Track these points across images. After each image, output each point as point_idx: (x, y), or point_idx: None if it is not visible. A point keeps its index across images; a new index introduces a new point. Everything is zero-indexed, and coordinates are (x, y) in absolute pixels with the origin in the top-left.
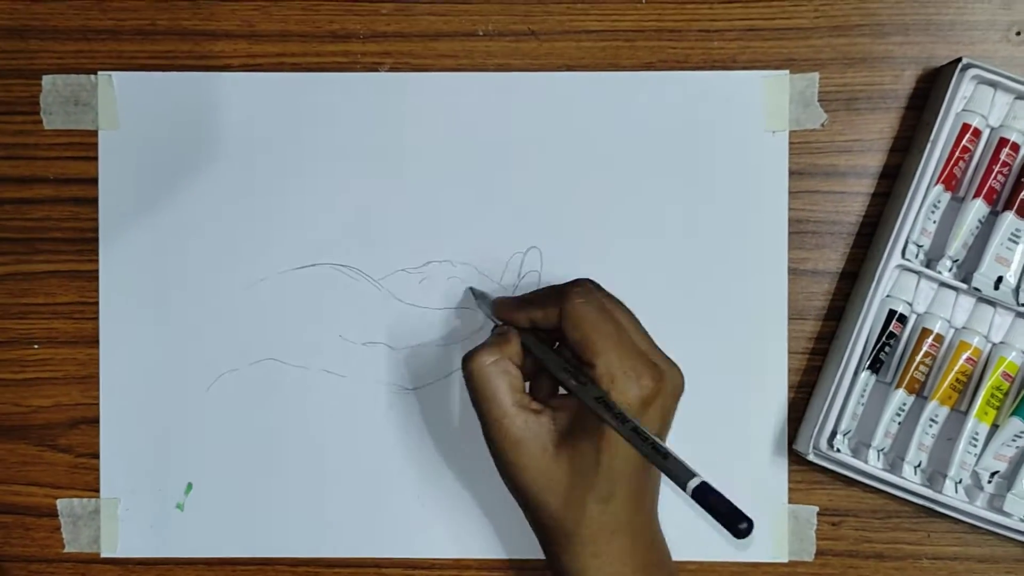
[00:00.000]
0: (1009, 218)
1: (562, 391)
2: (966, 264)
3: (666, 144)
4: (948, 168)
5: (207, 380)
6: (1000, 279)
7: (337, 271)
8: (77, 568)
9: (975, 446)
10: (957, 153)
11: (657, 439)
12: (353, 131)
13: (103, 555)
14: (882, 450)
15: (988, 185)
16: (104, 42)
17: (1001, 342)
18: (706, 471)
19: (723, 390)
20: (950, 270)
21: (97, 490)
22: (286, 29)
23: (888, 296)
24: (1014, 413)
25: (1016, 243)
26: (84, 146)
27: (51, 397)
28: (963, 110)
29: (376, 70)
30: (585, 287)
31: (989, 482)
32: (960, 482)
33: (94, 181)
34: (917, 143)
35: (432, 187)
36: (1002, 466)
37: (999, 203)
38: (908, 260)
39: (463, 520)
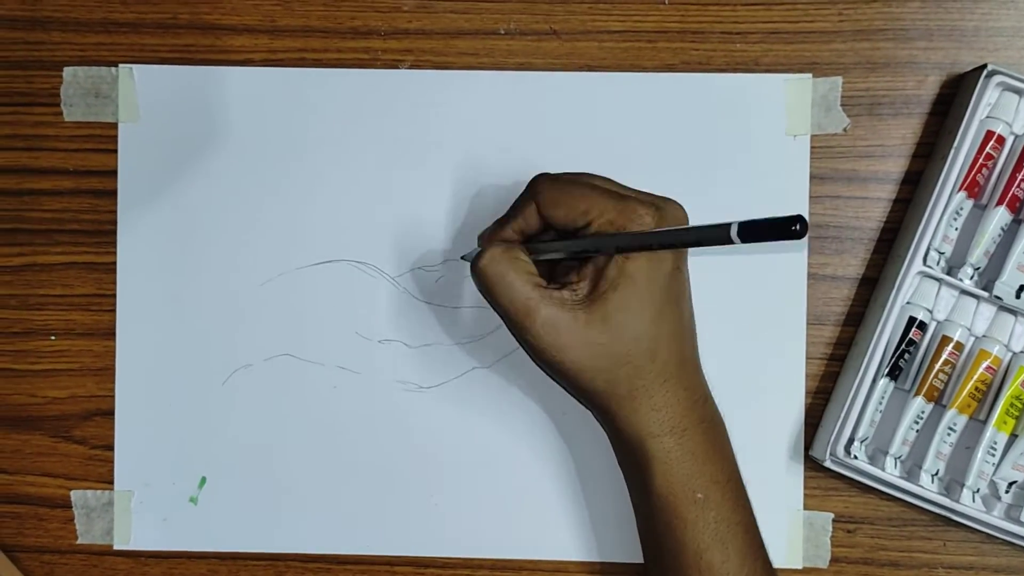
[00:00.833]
0: None
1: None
2: (987, 272)
3: (687, 147)
4: (971, 175)
5: (223, 375)
6: (1022, 288)
7: (354, 268)
8: (90, 560)
9: (993, 455)
10: (980, 160)
11: (677, 227)
12: (372, 128)
13: (116, 547)
14: (899, 458)
15: (1011, 193)
16: (125, 35)
17: (1022, 351)
18: None
19: (740, 394)
20: (971, 278)
21: (111, 482)
22: (307, 24)
23: (908, 303)
24: None
25: None
26: (104, 138)
27: (67, 388)
28: (987, 117)
29: (397, 67)
30: (545, 174)
31: (1007, 492)
32: (977, 491)
33: (113, 173)
34: (940, 149)
35: (451, 185)
36: (1020, 476)
37: (1022, 211)
38: (929, 267)
39: (475, 519)
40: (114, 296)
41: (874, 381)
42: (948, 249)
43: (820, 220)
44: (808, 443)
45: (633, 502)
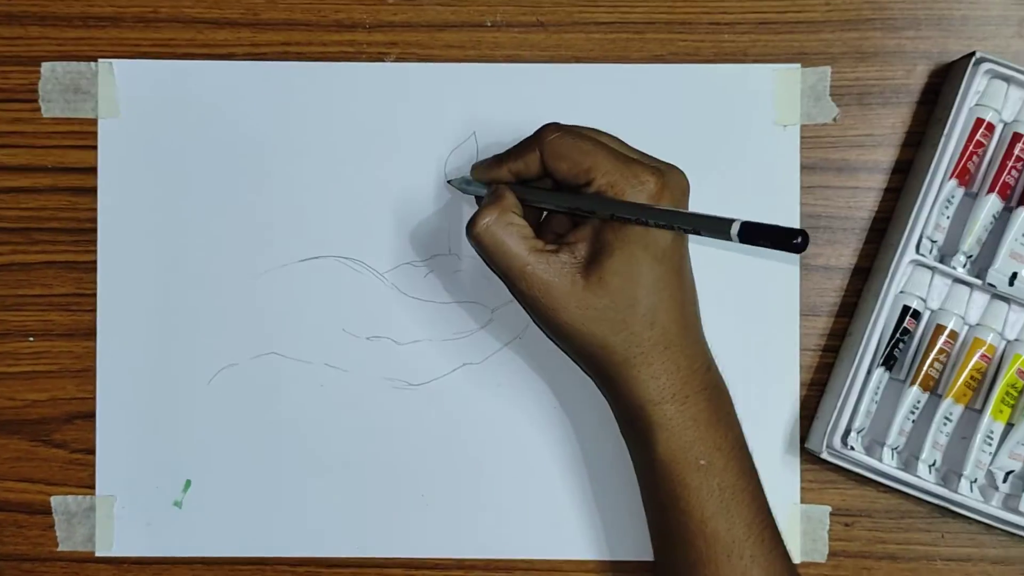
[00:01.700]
0: None
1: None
2: (980, 260)
3: (676, 138)
4: (962, 163)
5: (207, 374)
6: (1015, 275)
7: (341, 264)
8: (71, 567)
9: (990, 445)
10: (971, 148)
11: (679, 209)
12: (358, 122)
13: (98, 554)
14: (896, 448)
15: (1002, 180)
16: (105, 29)
17: (1016, 339)
18: None
19: (735, 387)
20: (964, 266)
21: (92, 487)
22: (291, 18)
23: (902, 292)
24: None
25: None
26: (83, 135)
27: (46, 391)
28: (976, 104)
29: (382, 60)
30: (556, 124)
31: (1004, 481)
32: (975, 481)
33: (93, 170)
34: (930, 138)
35: (439, 179)
36: (1017, 465)
37: (1013, 198)
38: (922, 255)
39: (466, 519)
40: (94, 296)
41: (869, 371)
42: (940, 237)
43: (811, 210)
44: (804, 436)
45: (637, 474)
